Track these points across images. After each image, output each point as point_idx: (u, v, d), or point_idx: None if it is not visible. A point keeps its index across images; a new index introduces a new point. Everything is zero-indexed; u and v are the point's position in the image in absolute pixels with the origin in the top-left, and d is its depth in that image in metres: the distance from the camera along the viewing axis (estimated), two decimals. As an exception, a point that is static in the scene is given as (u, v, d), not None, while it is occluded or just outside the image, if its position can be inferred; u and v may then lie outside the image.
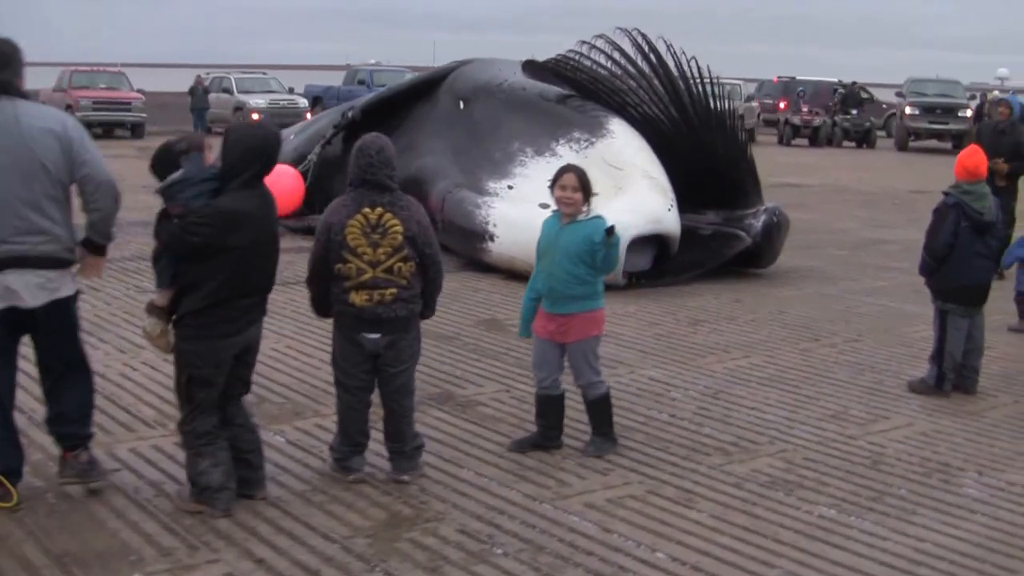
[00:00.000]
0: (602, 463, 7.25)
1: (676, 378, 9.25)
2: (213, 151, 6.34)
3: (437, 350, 9.86)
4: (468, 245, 13.66)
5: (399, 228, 6.64)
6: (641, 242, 12.69)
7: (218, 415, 6.34)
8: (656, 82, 13.74)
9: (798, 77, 44.58)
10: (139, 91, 34.84)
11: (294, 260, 14.01)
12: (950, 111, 37.73)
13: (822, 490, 6.87)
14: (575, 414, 7.67)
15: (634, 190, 12.85)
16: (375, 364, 6.77)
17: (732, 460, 7.35)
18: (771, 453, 7.49)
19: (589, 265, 7.17)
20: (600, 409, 7.40)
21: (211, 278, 6.08)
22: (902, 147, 38.32)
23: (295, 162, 17.17)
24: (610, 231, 7.04)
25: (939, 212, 8.84)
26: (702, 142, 13.60)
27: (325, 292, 6.76)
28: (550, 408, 7.41)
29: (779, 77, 45.11)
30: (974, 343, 8.88)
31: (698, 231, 13.76)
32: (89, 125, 32.78)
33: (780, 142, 39.01)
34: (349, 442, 6.90)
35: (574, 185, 7.21)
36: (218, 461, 6.24)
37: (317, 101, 37.48)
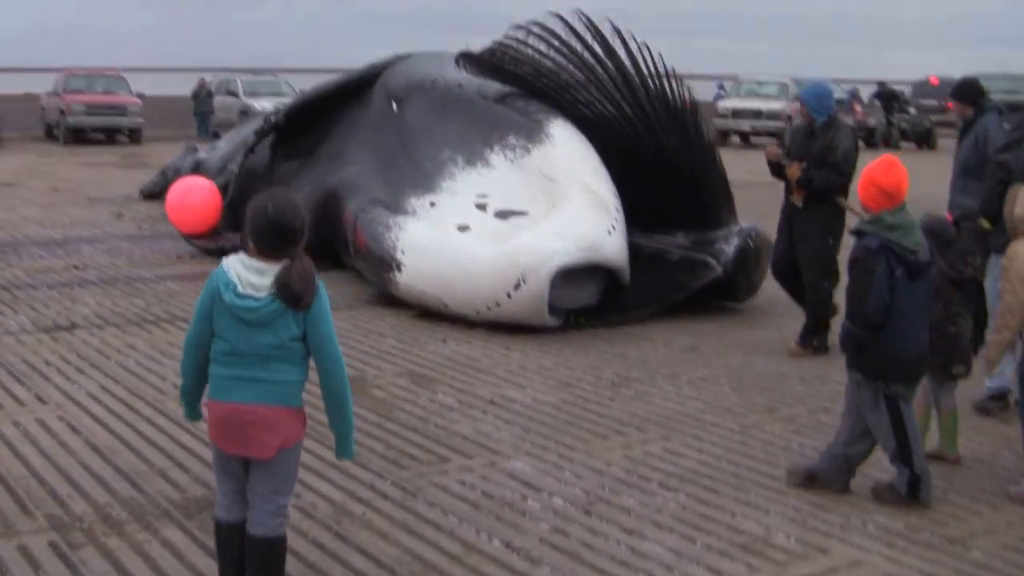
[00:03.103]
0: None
1: (549, 474, 6.67)
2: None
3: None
4: (377, 274, 11.18)
5: None
6: (581, 272, 10.14)
7: None
8: (606, 75, 11.16)
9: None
10: (138, 95, 32.72)
11: (179, 292, 11.69)
12: (1018, 110, 34.17)
13: None
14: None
15: (568, 208, 10.31)
16: None
17: (552, 637, 4.77)
18: (618, 624, 4.90)
19: None
20: None
21: None
22: None
23: (220, 172, 14.84)
24: None
25: (860, 263, 6.09)
26: (662, 147, 10.98)
27: None
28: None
29: (939, 77, 40.38)
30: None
31: (666, 256, 11.14)
32: (82, 130, 30.83)
33: (833, 144, 35.94)
34: None
35: None
36: None
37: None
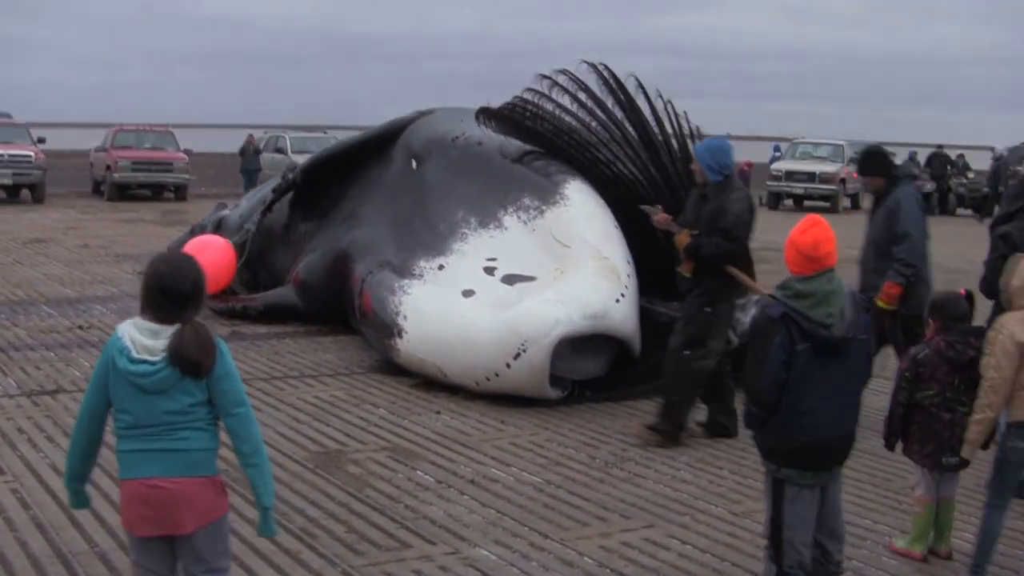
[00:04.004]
0: None
1: (514, 565, 6.15)
2: None
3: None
4: (380, 340, 10.74)
5: None
6: (589, 342, 9.63)
7: None
8: (629, 133, 10.71)
9: None
10: (186, 151, 32.70)
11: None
12: None
13: None
14: None
15: (577, 274, 9.79)
16: None
17: None
18: None
19: None
20: None
21: None
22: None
23: (239, 230, 14.53)
24: None
25: (758, 331, 5.44)
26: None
27: None
28: None
29: None
30: (827, 525, 5.54)
31: (683, 325, 10.58)
32: (127, 187, 30.81)
33: (886, 210, 35.17)
34: None
35: None
36: None
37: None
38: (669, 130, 10.56)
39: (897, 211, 8.36)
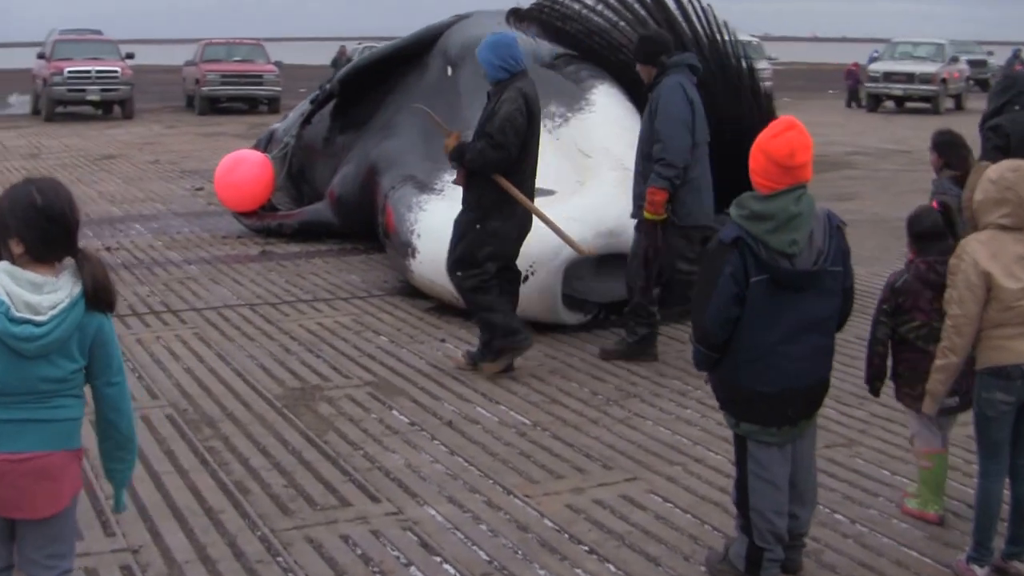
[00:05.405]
0: None
1: (460, 529, 5.37)
2: None
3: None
4: (397, 260, 10.02)
5: None
6: (612, 260, 8.76)
7: None
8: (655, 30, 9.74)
9: None
10: (276, 63, 32.13)
11: (194, 277, 10.63)
12: None
13: None
14: None
15: (595, 188, 8.97)
16: None
17: None
18: None
19: None
20: None
21: None
22: None
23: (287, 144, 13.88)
24: None
25: (707, 258, 4.59)
26: (719, 114, 9.47)
27: None
28: None
29: None
30: (795, 488, 4.68)
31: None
32: (218, 100, 30.42)
33: (991, 109, 33.41)
34: None
35: None
36: None
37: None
38: (699, 29, 9.60)
39: (656, 108, 7.31)
